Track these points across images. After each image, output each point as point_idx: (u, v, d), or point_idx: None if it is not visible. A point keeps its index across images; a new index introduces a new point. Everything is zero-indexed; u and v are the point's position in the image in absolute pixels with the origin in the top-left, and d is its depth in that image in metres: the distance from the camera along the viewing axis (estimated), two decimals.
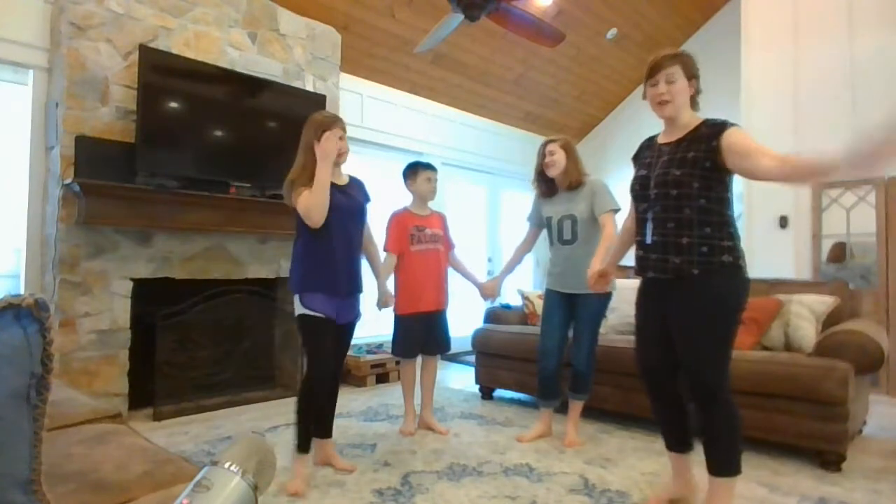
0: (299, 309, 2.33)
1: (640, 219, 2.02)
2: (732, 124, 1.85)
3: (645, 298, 2.07)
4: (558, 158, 2.84)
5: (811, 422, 2.52)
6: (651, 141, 2.09)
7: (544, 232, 3.04)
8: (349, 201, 2.38)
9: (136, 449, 1.30)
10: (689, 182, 1.83)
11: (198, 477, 0.66)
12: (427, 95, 5.57)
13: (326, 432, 2.51)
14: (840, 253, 4.34)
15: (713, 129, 1.85)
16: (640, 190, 2.00)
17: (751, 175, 1.80)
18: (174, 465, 1.23)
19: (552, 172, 2.86)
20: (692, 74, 1.92)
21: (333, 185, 2.29)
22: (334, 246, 2.31)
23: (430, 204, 3.17)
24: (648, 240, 1.95)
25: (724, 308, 1.86)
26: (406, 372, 3.10)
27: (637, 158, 2.12)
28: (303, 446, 2.28)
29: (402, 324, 2.99)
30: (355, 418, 3.32)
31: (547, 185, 2.94)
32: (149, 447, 1.34)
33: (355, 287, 2.42)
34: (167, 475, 1.16)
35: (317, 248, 2.31)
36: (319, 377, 2.29)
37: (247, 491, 0.65)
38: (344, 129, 2.36)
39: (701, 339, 1.88)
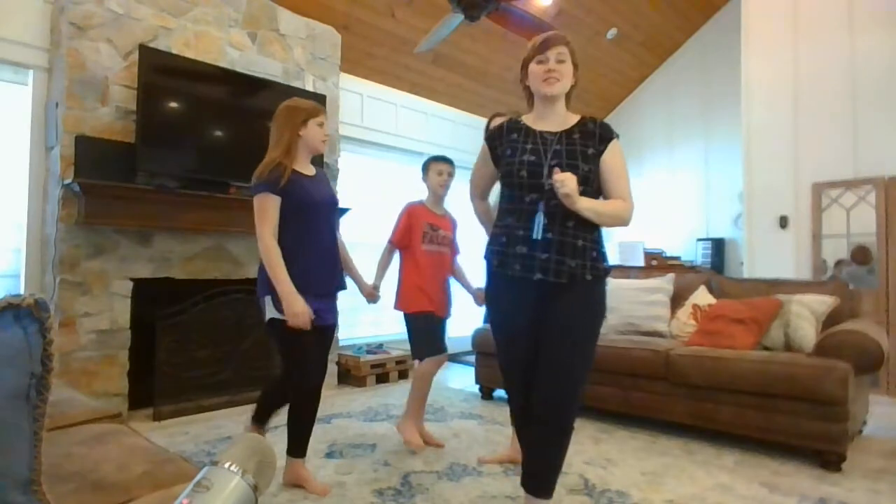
0: (273, 313, 2.12)
1: (521, 210, 1.74)
2: (616, 135, 1.81)
3: (512, 304, 1.76)
4: None
5: (811, 422, 2.53)
6: (518, 124, 1.85)
7: None
8: (326, 193, 2.27)
9: (136, 449, 1.30)
10: (593, 179, 1.73)
11: (198, 477, 0.66)
12: (427, 95, 5.57)
13: (303, 451, 2.25)
14: (866, 255, 4.28)
15: (603, 131, 1.78)
16: (528, 178, 1.72)
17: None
18: (174, 465, 1.23)
19: None
20: (576, 64, 1.81)
21: (308, 178, 2.22)
22: (323, 241, 2.22)
23: None
24: (537, 235, 1.69)
25: (601, 317, 1.78)
26: (427, 372, 2.73)
27: (501, 140, 1.84)
28: (303, 451, 2.24)
29: (419, 322, 2.72)
30: (355, 418, 3.32)
31: None
32: (149, 447, 1.34)
33: (340, 284, 2.33)
34: (167, 475, 1.16)
35: (305, 245, 2.15)
36: (315, 385, 2.20)
37: (247, 491, 0.65)
38: (325, 116, 2.30)
39: (580, 347, 1.72)
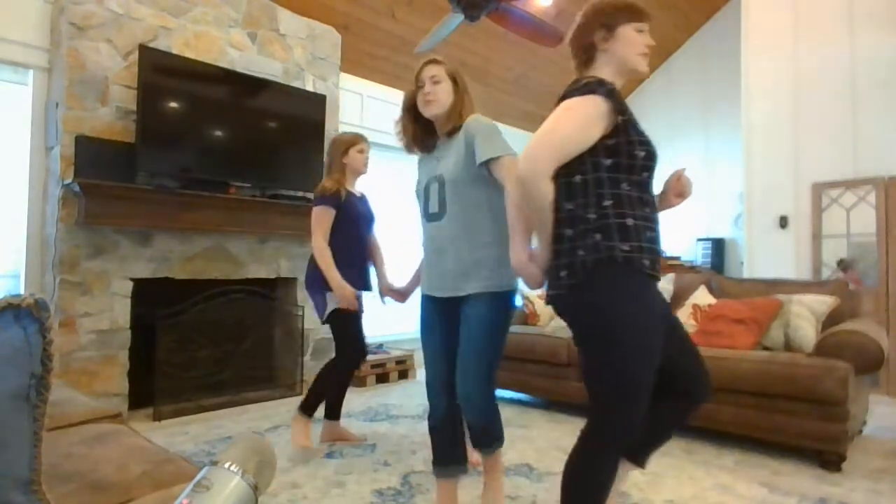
0: (334, 305, 2.62)
1: (651, 202, 1.47)
2: None
3: (656, 314, 1.46)
4: (442, 91, 1.86)
5: (811, 422, 2.52)
6: None
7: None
8: (367, 210, 2.80)
9: (136, 449, 1.30)
10: None
11: (198, 477, 0.66)
12: None
13: (338, 414, 2.85)
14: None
15: None
16: (651, 161, 1.46)
17: None
18: (174, 465, 1.23)
19: (431, 111, 1.87)
20: None
21: (357, 196, 2.77)
22: (359, 247, 2.72)
23: None
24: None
25: None
26: None
27: (626, 110, 1.45)
28: (335, 414, 2.81)
29: None
30: (355, 418, 3.31)
31: (423, 132, 1.96)
32: (149, 447, 1.34)
33: (367, 285, 2.78)
34: (167, 475, 1.16)
35: (347, 248, 2.65)
36: (350, 359, 2.71)
37: (247, 491, 0.65)
38: (368, 145, 2.80)
39: None
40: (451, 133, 1.88)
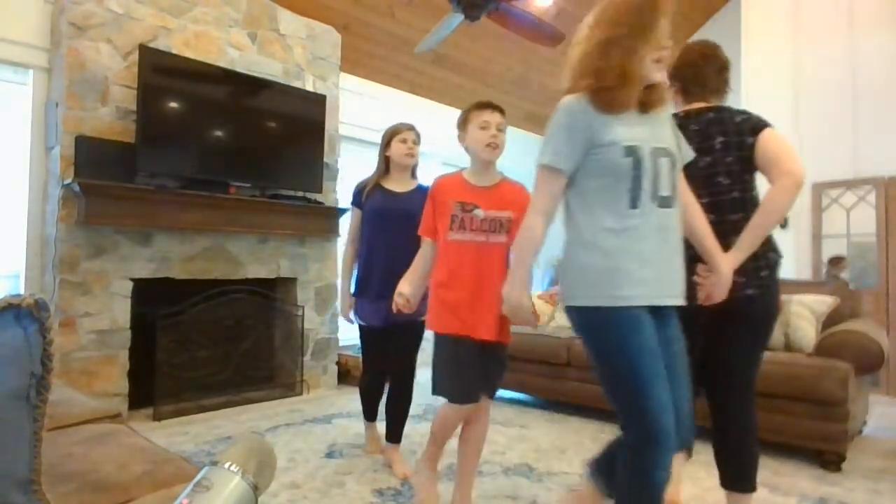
0: (355, 318, 2.58)
1: None
2: None
3: None
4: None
5: (811, 422, 2.53)
6: None
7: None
8: (399, 208, 2.44)
9: (136, 449, 1.30)
10: None
11: (198, 477, 0.66)
12: (427, 95, 5.57)
13: (395, 437, 2.57)
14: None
15: None
16: None
17: None
18: (174, 465, 1.23)
19: (661, 75, 1.44)
20: None
21: (389, 192, 2.53)
22: (387, 248, 2.44)
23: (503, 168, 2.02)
24: None
25: None
26: (442, 417, 1.94)
27: None
28: (366, 417, 2.76)
29: (443, 346, 1.87)
30: (355, 418, 3.31)
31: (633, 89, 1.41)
32: (149, 447, 1.34)
33: (381, 291, 2.38)
34: (167, 475, 1.16)
35: (372, 249, 2.50)
36: (368, 375, 2.70)
37: (247, 491, 0.65)
38: (416, 136, 2.55)
39: None
40: (651, 107, 1.45)
